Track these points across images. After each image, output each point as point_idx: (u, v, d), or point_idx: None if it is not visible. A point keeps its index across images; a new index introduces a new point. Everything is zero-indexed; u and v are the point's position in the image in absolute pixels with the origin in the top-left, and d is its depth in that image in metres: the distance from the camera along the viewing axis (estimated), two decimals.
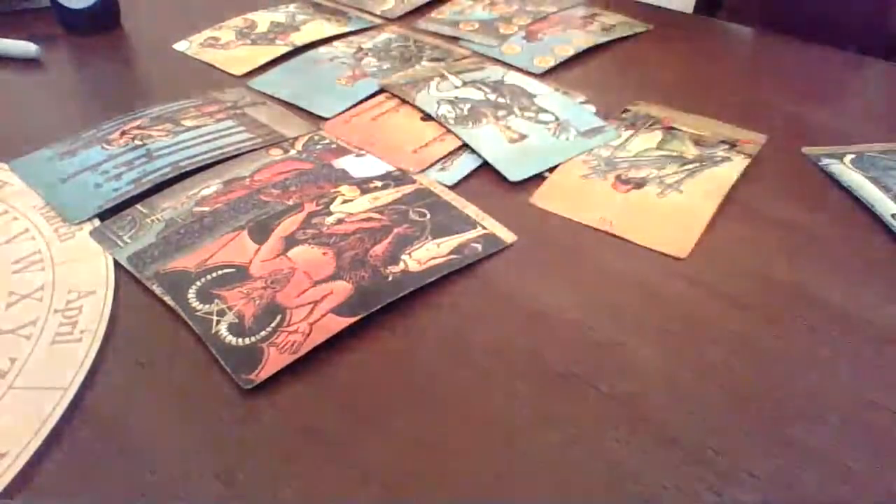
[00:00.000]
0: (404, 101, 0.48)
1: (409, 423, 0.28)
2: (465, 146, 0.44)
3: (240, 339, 0.31)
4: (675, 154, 0.43)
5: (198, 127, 0.46)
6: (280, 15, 0.63)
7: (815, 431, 0.27)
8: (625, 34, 0.59)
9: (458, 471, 0.26)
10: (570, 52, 0.56)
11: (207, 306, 0.32)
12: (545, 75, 0.53)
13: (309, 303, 0.32)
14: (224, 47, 0.58)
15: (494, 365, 0.30)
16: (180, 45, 0.59)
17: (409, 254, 0.35)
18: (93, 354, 0.30)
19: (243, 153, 0.44)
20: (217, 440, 0.27)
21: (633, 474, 0.26)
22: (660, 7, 0.65)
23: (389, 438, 0.27)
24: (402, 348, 0.31)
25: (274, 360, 0.29)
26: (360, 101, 0.49)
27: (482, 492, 0.25)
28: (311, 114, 0.48)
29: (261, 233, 0.37)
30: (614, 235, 0.37)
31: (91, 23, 0.63)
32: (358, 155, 0.44)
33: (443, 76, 0.51)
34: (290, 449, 0.27)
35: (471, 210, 0.39)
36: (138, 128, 0.47)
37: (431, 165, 0.43)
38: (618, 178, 0.41)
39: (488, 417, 0.28)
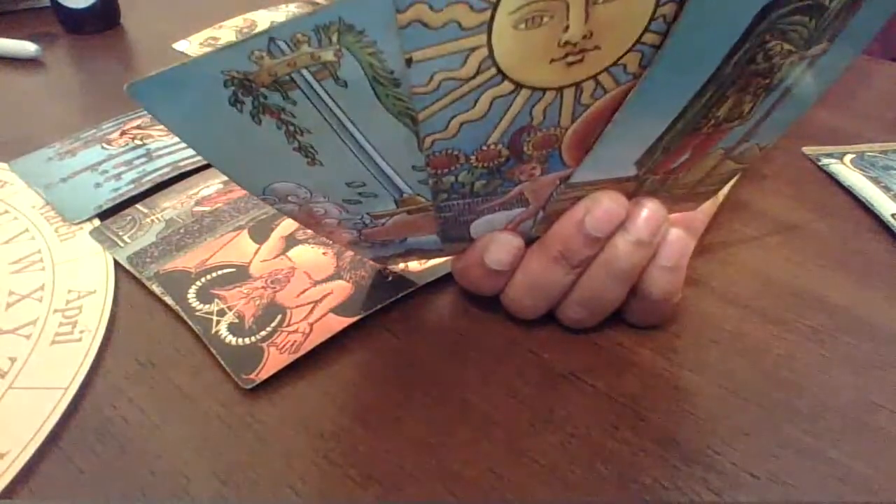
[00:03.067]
0: None
1: (410, 423, 0.28)
2: None
3: (240, 339, 0.31)
4: None
5: None
6: (280, 15, 0.63)
7: (815, 431, 0.27)
8: None
9: (458, 471, 0.26)
10: None
11: (207, 306, 0.32)
12: None
13: (309, 303, 0.32)
14: None
15: (494, 365, 0.30)
16: (180, 45, 0.59)
17: None
18: (93, 354, 0.30)
19: None
20: (217, 440, 0.27)
21: (633, 474, 0.26)
22: None
23: (389, 438, 0.27)
24: (402, 348, 0.31)
25: (274, 360, 0.29)
26: None
27: (482, 492, 0.25)
28: None
29: (261, 232, 0.37)
30: None
31: (91, 22, 0.63)
32: None
33: None
34: (290, 449, 0.27)
35: None
36: (138, 128, 0.47)
37: None
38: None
39: (488, 417, 0.28)
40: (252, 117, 0.22)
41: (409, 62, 0.20)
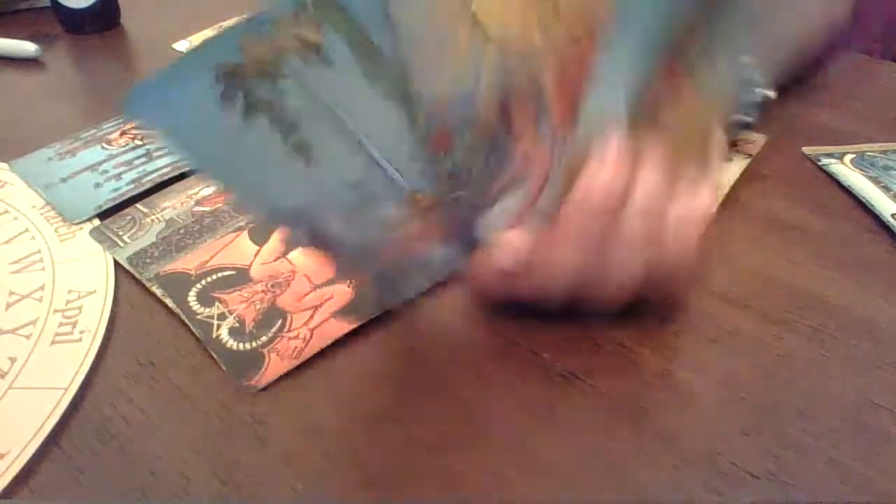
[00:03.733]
0: None
1: (410, 423, 0.28)
2: None
3: (241, 344, 0.31)
4: None
5: None
6: None
7: (815, 431, 0.27)
8: None
9: (458, 471, 0.26)
10: None
11: (208, 309, 0.32)
12: None
13: (309, 307, 0.32)
14: None
15: (494, 365, 0.30)
16: (180, 45, 0.59)
17: None
18: (93, 354, 0.30)
19: None
20: (217, 440, 0.27)
21: (633, 474, 0.26)
22: None
23: (389, 438, 0.27)
24: (402, 348, 0.31)
25: (275, 366, 0.29)
26: None
27: (482, 492, 0.25)
28: None
29: (261, 234, 0.37)
30: None
31: (91, 23, 0.63)
32: None
33: None
34: (290, 449, 0.27)
35: None
36: (138, 127, 0.47)
37: None
38: None
39: (488, 417, 0.28)
40: (244, 116, 0.21)
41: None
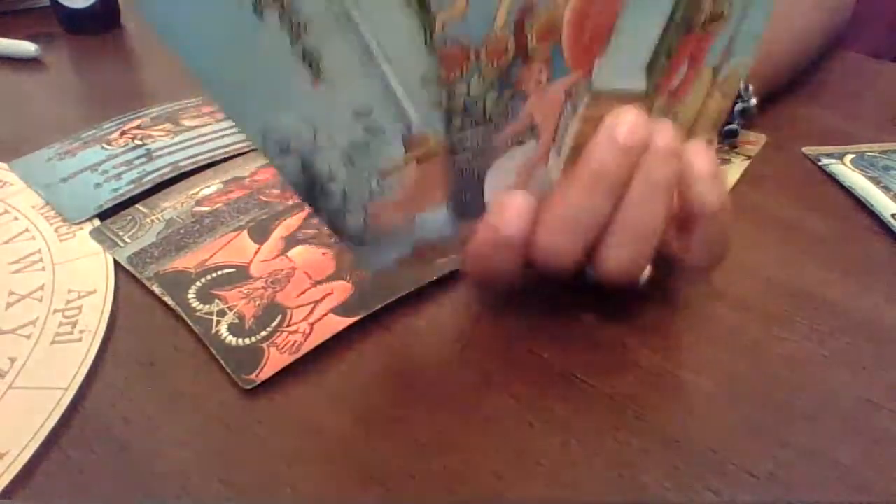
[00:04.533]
0: None
1: (410, 423, 0.28)
2: None
3: (240, 340, 0.31)
4: None
5: (198, 127, 0.46)
6: None
7: (815, 431, 0.27)
8: None
9: (457, 471, 0.26)
10: None
11: (207, 306, 0.32)
12: None
13: (309, 303, 0.32)
14: None
15: (494, 365, 0.30)
16: None
17: None
18: (93, 354, 0.30)
19: (243, 153, 0.44)
20: (217, 440, 0.27)
21: (633, 474, 0.26)
22: None
23: (389, 438, 0.27)
24: (402, 347, 0.31)
25: (274, 361, 0.29)
26: None
27: (482, 492, 0.25)
28: None
29: (261, 233, 0.37)
30: None
31: (91, 23, 0.63)
32: None
33: None
34: (290, 449, 0.27)
35: None
36: (138, 128, 0.47)
37: None
38: None
39: (488, 417, 0.28)
40: (254, 8, 0.21)
41: None
